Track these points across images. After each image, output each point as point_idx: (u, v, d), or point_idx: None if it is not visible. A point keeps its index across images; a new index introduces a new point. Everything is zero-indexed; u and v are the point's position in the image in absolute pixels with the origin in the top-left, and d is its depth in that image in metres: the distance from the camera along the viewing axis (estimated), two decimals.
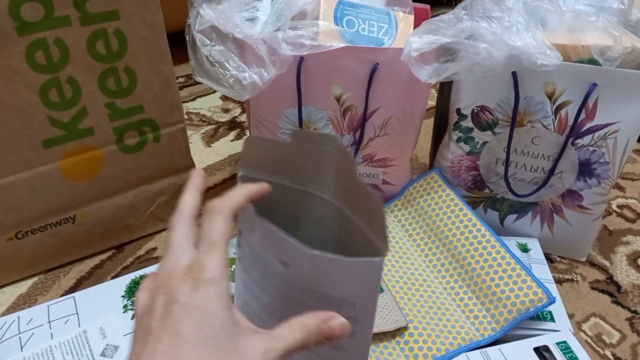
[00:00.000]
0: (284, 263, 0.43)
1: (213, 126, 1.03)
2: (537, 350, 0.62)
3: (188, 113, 1.07)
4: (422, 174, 0.77)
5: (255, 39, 0.62)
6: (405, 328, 0.63)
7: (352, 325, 0.42)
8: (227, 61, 0.61)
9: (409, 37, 0.61)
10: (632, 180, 0.91)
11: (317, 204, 0.48)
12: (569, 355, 0.61)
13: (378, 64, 0.65)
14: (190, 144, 0.75)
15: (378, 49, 0.65)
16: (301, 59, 0.64)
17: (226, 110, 1.08)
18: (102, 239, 0.73)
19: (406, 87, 0.67)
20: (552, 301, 0.62)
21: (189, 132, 0.93)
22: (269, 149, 0.46)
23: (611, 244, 0.79)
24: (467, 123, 0.69)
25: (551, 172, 0.69)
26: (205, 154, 0.94)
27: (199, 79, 0.64)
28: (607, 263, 0.76)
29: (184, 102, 1.09)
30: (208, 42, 0.62)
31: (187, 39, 0.63)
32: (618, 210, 0.85)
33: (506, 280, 0.64)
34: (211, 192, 0.84)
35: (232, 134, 1.01)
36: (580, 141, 0.66)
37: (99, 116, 0.65)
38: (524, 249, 0.74)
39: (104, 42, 0.61)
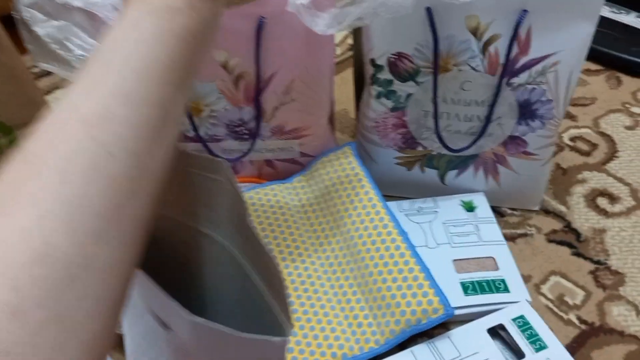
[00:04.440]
0: (164, 325, 0.33)
1: None
2: (491, 330, 0.53)
3: None
4: (335, 147, 0.66)
5: (102, 6, 0.49)
6: None
7: None
8: (69, 39, 0.49)
9: None
10: (584, 105, 0.81)
11: (210, 247, 0.37)
12: (528, 332, 0.53)
13: (263, 17, 0.52)
14: None
15: (260, 0, 0.52)
16: None
17: None
18: None
19: (304, 42, 0.55)
20: (449, 314, 0.52)
21: None
22: None
23: (566, 184, 0.71)
24: (385, 75, 0.58)
25: (488, 119, 0.59)
26: None
27: (42, 66, 0.51)
28: (563, 208, 0.68)
29: (49, 93, 0.92)
30: (43, 17, 0.49)
31: (15, 17, 0.50)
32: (571, 144, 0.76)
33: (400, 283, 0.53)
34: None
35: None
36: (516, 80, 0.56)
37: None
38: (469, 208, 0.65)
39: None
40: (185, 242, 0.38)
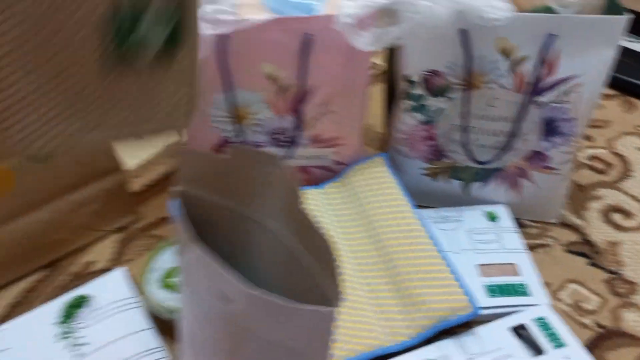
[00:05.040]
0: (222, 299, 0.37)
1: None
2: (513, 329, 0.57)
3: None
4: (367, 157, 0.70)
5: None
6: None
7: None
8: None
9: (341, 2, 0.54)
10: (600, 127, 0.86)
11: (260, 233, 0.42)
12: (548, 331, 0.57)
13: (310, 34, 0.57)
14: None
15: (308, 18, 0.57)
16: (223, 38, 0.56)
17: None
18: (28, 259, 0.66)
19: (345, 57, 0.60)
20: (475, 312, 0.56)
21: None
22: (207, 165, 0.40)
23: (582, 200, 0.75)
24: (418, 90, 0.63)
25: (513, 134, 0.63)
26: (139, 147, 0.86)
27: None
28: (580, 222, 0.72)
29: None
30: None
31: None
32: (587, 163, 0.80)
33: (430, 283, 0.57)
34: (149, 191, 0.77)
35: None
36: (541, 98, 0.60)
37: None
38: (492, 218, 0.69)
39: None
40: (239, 230, 0.43)
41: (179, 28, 0.39)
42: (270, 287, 0.35)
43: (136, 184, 0.77)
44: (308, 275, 0.37)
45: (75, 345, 0.57)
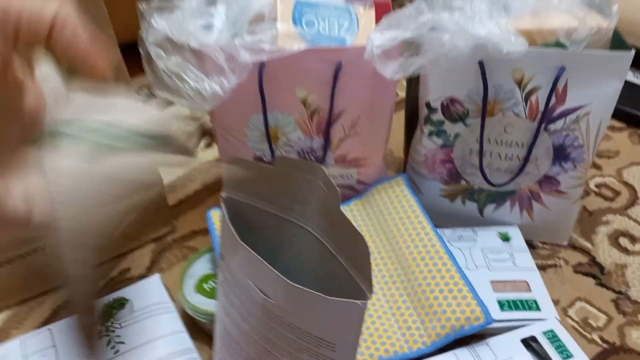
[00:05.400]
0: (263, 292, 0.41)
1: None
2: (524, 341, 0.61)
3: None
4: (388, 177, 0.75)
5: (212, 48, 0.60)
6: None
7: None
8: (185, 73, 0.59)
9: (370, 34, 0.60)
10: (609, 157, 0.90)
11: (299, 235, 0.46)
12: (557, 343, 0.60)
13: (341, 63, 0.63)
14: None
15: (340, 49, 0.63)
16: (262, 64, 0.62)
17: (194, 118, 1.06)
18: None
19: (372, 84, 0.65)
20: (489, 322, 0.60)
21: None
22: (252, 172, 0.45)
23: (592, 224, 0.79)
24: (438, 116, 0.68)
25: (526, 159, 0.68)
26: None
27: (158, 94, 0.61)
28: (588, 245, 0.76)
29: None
30: (163, 54, 0.60)
31: (142, 52, 0.60)
32: (596, 190, 0.84)
33: (446, 294, 0.61)
34: (184, 205, 0.82)
35: (202, 142, 0.99)
36: (552, 126, 0.65)
37: None
38: (505, 238, 0.73)
39: None
40: (278, 231, 0.47)
41: None
42: (305, 283, 0.39)
43: (171, 198, 0.82)
44: (342, 271, 0.42)
45: (113, 343, 0.61)
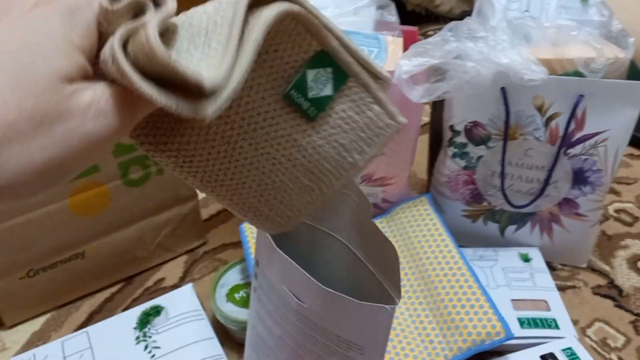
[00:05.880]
0: (297, 297, 0.44)
1: None
2: (543, 358, 0.63)
3: None
4: (412, 197, 0.78)
5: None
6: None
7: None
8: None
9: (399, 61, 0.64)
10: (627, 184, 0.92)
11: (331, 244, 0.49)
12: None
13: None
14: None
15: None
16: None
17: None
18: (112, 272, 0.75)
19: (400, 107, 0.68)
20: (509, 337, 0.62)
21: None
22: None
23: (610, 248, 0.81)
24: (461, 139, 0.71)
25: (546, 182, 0.70)
26: None
27: None
28: (607, 268, 0.78)
29: None
30: None
31: None
32: (615, 215, 0.86)
33: (467, 309, 0.63)
34: (215, 219, 0.86)
35: None
36: (572, 151, 0.68)
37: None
38: (525, 259, 0.75)
39: None
40: (312, 241, 0.50)
41: None
42: (336, 290, 0.42)
43: (204, 213, 0.86)
44: (371, 278, 0.45)
45: (150, 348, 0.65)
